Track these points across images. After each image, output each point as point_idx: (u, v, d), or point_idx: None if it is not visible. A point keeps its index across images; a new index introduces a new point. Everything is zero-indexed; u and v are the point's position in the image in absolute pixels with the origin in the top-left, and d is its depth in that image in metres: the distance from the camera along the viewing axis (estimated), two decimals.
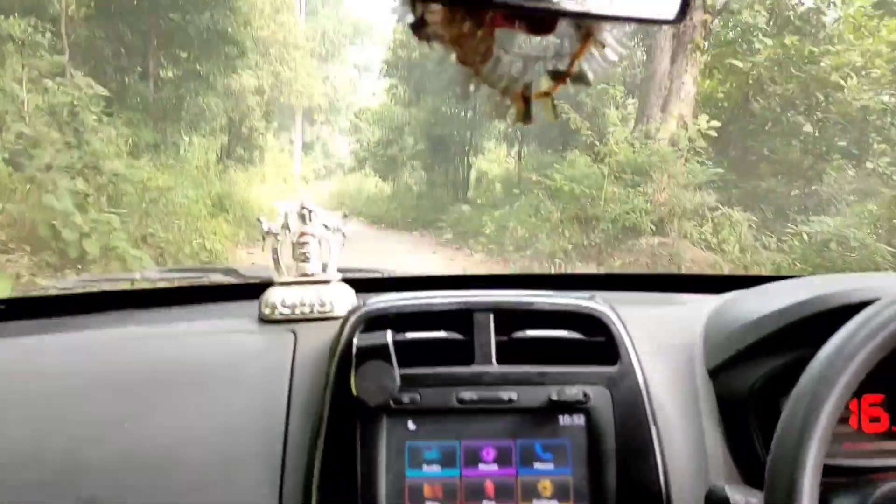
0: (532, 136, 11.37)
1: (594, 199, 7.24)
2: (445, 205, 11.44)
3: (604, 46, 0.43)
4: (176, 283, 1.26)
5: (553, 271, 6.39)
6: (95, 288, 1.22)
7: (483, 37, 0.42)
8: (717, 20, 7.91)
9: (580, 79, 0.44)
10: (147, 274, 1.27)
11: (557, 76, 0.44)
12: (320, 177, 19.50)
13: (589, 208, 7.24)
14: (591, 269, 6.74)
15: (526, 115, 0.45)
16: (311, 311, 1.00)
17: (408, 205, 12.69)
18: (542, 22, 0.42)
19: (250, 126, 12.98)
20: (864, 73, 7.15)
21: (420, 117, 12.73)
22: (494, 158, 13.16)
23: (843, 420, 0.85)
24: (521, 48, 0.43)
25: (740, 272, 6.01)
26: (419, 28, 0.41)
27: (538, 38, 0.43)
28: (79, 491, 0.80)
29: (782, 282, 1.02)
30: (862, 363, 0.58)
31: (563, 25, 0.42)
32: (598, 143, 7.56)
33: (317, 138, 20.82)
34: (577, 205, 7.37)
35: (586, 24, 0.42)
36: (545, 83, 0.44)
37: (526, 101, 0.44)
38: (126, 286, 1.31)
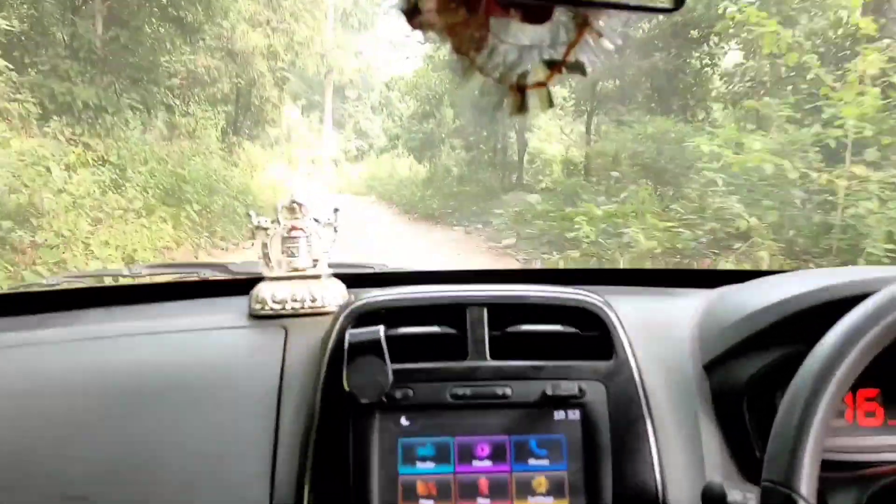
0: (606, 98, 8.34)
1: (812, 188, 4.05)
2: (495, 192, 9.09)
3: (600, 35, 0.42)
4: (165, 279, 1.24)
5: None
6: (82, 284, 1.20)
7: (478, 25, 0.41)
8: None
9: (576, 68, 0.43)
10: (135, 269, 1.25)
11: (553, 65, 0.43)
12: (351, 158, 17.97)
13: (808, 208, 4.08)
14: None
15: (521, 106, 0.44)
16: (302, 307, 0.99)
17: (447, 191, 10.45)
18: (538, 10, 0.41)
19: (261, 95, 11.13)
20: None
21: (461, 84, 11.17)
22: (548, 134, 10.45)
23: (839, 415, 0.85)
24: (516, 37, 0.43)
25: None
26: (412, 15, 0.40)
27: (534, 27, 0.42)
28: (65, 489, 0.78)
29: (777, 275, 1.02)
30: (859, 355, 0.58)
31: (559, 14, 0.42)
32: (833, 87, 4.20)
33: (349, 116, 19.50)
34: (782, 200, 4.14)
35: (582, 13, 0.42)
36: (540, 72, 0.43)
37: (521, 90, 0.43)
38: (114, 282, 1.29)
